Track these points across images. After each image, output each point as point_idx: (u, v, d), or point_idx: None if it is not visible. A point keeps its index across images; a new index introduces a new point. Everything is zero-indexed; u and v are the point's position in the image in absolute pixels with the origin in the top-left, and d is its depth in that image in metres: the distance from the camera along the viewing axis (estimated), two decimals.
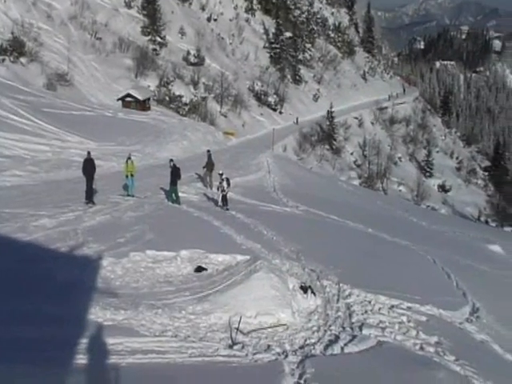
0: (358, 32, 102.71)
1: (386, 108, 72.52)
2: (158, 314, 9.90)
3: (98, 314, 9.53)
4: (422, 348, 10.10)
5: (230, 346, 9.01)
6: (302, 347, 9.35)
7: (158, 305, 10.34)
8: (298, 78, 71.81)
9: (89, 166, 17.85)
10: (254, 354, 8.72)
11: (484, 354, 11.20)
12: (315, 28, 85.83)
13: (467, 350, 10.76)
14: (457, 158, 70.43)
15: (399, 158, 59.68)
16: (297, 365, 8.29)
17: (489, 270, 20.16)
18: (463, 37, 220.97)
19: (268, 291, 10.79)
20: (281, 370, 7.98)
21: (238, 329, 9.53)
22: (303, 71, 73.51)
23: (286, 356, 8.72)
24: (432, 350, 10.11)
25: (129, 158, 19.95)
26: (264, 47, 73.52)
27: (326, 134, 53.31)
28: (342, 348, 9.41)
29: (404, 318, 11.47)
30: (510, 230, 48.78)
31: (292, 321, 10.40)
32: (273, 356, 8.71)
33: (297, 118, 61.51)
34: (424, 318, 11.73)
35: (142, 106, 45.22)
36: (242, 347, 9.01)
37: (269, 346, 9.17)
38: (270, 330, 9.91)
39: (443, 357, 9.87)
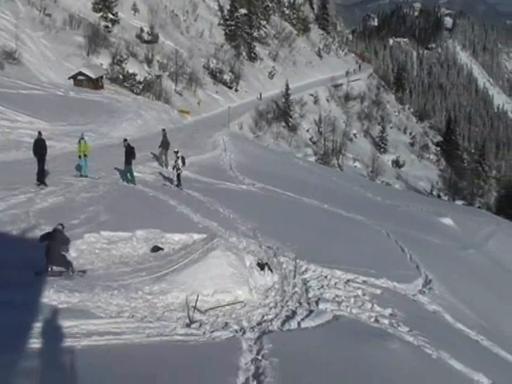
0: (312, 9, 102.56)
1: (341, 85, 72.92)
2: (114, 295, 9.78)
3: (51, 297, 9.35)
4: (376, 320, 10.31)
5: (188, 325, 9.01)
6: (259, 323, 9.43)
7: (114, 286, 10.21)
8: (253, 55, 71.36)
9: (40, 147, 17.33)
10: (212, 331, 8.74)
11: (436, 324, 11.55)
12: (270, 5, 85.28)
13: (420, 320, 11.06)
14: (410, 134, 71.70)
15: (354, 135, 60.30)
16: (254, 341, 8.35)
17: (441, 243, 20.73)
18: (416, 14, 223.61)
19: (225, 269, 10.80)
20: (238, 347, 8.02)
21: (195, 307, 9.52)
22: (258, 48, 73.09)
23: (244, 333, 8.78)
24: (386, 321, 10.35)
25: (81, 138, 19.48)
26: (219, 24, 72.67)
27: (281, 112, 53.36)
28: (299, 323, 9.53)
29: (359, 292, 11.69)
30: (462, 203, 50.20)
31: (249, 298, 10.46)
32: (230, 333, 8.75)
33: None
34: (379, 291, 11.97)
35: (95, 84, 44.15)
36: (200, 325, 9.01)
37: (226, 324, 9.21)
38: (227, 307, 9.94)
39: (397, 328, 10.11)
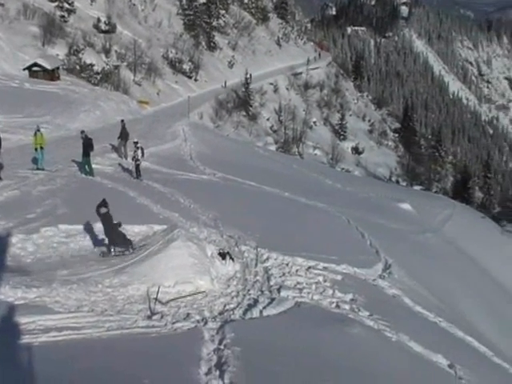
0: None
1: (301, 73, 73.11)
2: (73, 290, 9.61)
3: (7, 293, 9.12)
4: (338, 306, 10.46)
5: (149, 317, 8.93)
6: (221, 313, 9.41)
7: (73, 280, 10.02)
8: (212, 44, 70.86)
9: None
10: (173, 323, 8.68)
11: (396, 308, 11.78)
12: None
13: (380, 304, 11.26)
14: (369, 121, 72.53)
15: (314, 123, 60.63)
16: (216, 331, 8.33)
17: (400, 228, 21.14)
18: (372, 3, 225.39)
19: (186, 259, 10.73)
20: (200, 337, 8.00)
21: (156, 299, 9.44)
22: (218, 38, 72.60)
23: (206, 323, 8.74)
24: (347, 307, 10.51)
25: (38, 130, 19.02)
26: (177, 14, 71.74)
27: (242, 101, 53.23)
28: (261, 311, 9.56)
29: (320, 278, 11.82)
30: (419, 188, 51.23)
31: (211, 288, 10.43)
32: (192, 324, 8.71)
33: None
34: (340, 277, 12.13)
35: (51, 75, 43.00)
36: (161, 317, 8.94)
37: (188, 314, 9.15)
38: (189, 298, 9.89)
39: (358, 313, 10.28)
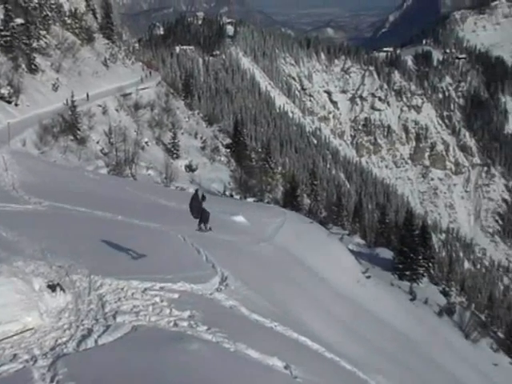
0: (96, 18, 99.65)
1: (130, 94, 72.15)
2: None
3: None
4: (175, 324, 10.47)
5: None
6: (52, 348, 8.92)
7: None
8: (33, 67, 67.10)
9: None
10: None
11: (233, 318, 12.13)
12: (50, 14, 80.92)
13: (218, 317, 11.50)
14: (201, 138, 73.60)
15: (146, 143, 60.07)
16: (48, 368, 7.90)
17: (235, 240, 21.80)
18: (199, 22, 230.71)
19: (12, 297, 10.04)
20: (29, 378, 7.53)
21: None
22: (39, 60, 68.86)
23: (35, 361, 8.22)
24: (185, 324, 10.57)
25: None
26: None
27: (69, 125, 51.13)
28: (96, 340, 9.23)
29: (157, 299, 11.75)
30: (252, 200, 53.18)
31: (40, 323, 9.87)
32: (20, 364, 8.12)
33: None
34: (176, 295, 12.18)
35: None
36: None
37: (15, 355, 8.55)
38: (15, 337, 9.27)
39: (196, 328, 10.40)
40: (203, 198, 16.01)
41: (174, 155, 61.43)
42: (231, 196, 53.59)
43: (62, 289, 11.21)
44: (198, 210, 15.71)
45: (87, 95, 59.41)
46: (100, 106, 60.55)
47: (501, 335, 57.40)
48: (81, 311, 10.67)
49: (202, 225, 15.89)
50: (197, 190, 16.39)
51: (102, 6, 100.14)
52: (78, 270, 12.71)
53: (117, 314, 10.49)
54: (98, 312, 10.63)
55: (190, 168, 60.11)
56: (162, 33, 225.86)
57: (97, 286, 11.97)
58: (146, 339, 9.49)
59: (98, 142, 52.62)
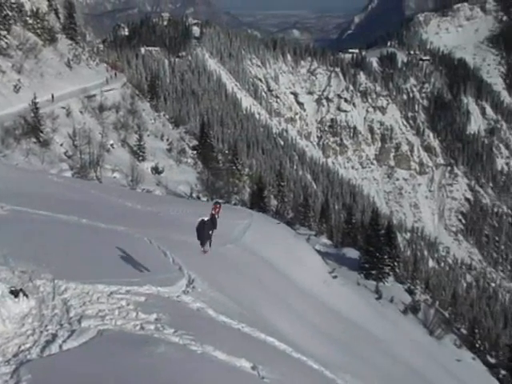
0: (58, 18, 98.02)
1: (95, 95, 71.20)
2: None
3: None
4: (142, 328, 10.41)
5: None
6: (15, 355, 8.77)
7: None
8: None
9: None
10: None
11: (200, 321, 12.12)
12: (10, 14, 79.34)
13: (185, 320, 11.49)
14: (167, 140, 73.12)
15: (111, 145, 59.35)
16: (10, 375, 7.77)
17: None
18: (165, 23, 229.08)
19: None
20: None
21: None
22: (0, 61, 67.62)
23: None
24: (152, 327, 10.51)
25: None
26: None
27: (31, 127, 50.20)
28: (61, 346, 9.11)
29: (123, 302, 11.65)
30: (220, 201, 53.13)
31: (3, 329, 9.69)
32: None
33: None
34: (143, 299, 12.10)
35: None
36: None
37: None
38: None
39: (162, 331, 10.35)
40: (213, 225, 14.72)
41: (140, 157, 60.93)
42: (198, 198, 53.44)
43: (25, 294, 11.03)
44: (207, 236, 14.80)
45: (52, 96, 58.53)
46: (64, 107, 59.61)
47: (464, 331, 58.78)
48: (45, 316, 10.51)
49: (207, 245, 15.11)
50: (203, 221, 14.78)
51: (65, 5, 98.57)
52: (41, 275, 12.49)
53: (82, 318, 10.37)
54: (63, 317, 10.49)
55: (156, 170, 59.72)
56: (126, 34, 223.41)
57: (61, 291, 11.80)
58: (111, 343, 9.42)
59: (61, 145, 51.81)
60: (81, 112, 62.76)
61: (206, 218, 14.61)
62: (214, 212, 14.62)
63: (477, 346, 54.61)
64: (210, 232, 14.70)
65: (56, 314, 10.63)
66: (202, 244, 14.80)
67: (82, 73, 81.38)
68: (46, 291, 11.74)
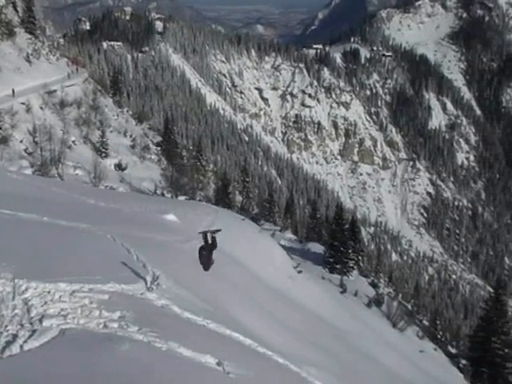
0: (17, 12, 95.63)
1: (55, 91, 69.78)
2: None
3: None
4: (105, 326, 10.29)
5: None
6: None
7: None
8: None
9: None
10: None
11: (164, 318, 12.06)
12: None
13: (149, 317, 11.41)
14: (130, 136, 72.23)
15: (73, 142, 58.27)
16: None
17: (166, 239, 21.66)
18: (127, 18, 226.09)
19: None
20: None
21: None
22: None
23: None
24: (116, 325, 10.41)
25: None
26: None
27: None
28: (22, 346, 8.94)
29: (86, 301, 11.48)
30: (184, 198, 52.96)
31: None
32: None
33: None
34: (106, 297, 11.95)
35: None
36: None
37: None
38: None
39: (127, 329, 10.26)
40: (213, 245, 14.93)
41: (103, 154, 60.10)
42: (162, 195, 53.09)
43: None
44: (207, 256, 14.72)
45: (13, 91, 57.15)
46: (23, 103, 58.33)
47: (426, 323, 60.04)
48: (4, 317, 10.30)
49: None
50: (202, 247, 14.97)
51: None
52: (0, 275, 12.23)
53: (43, 318, 10.20)
54: (24, 317, 10.30)
55: (119, 167, 59.01)
56: (88, 28, 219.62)
57: (21, 291, 11.57)
58: (74, 342, 9.30)
59: (21, 141, 50.71)
60: (41, 108, 61.49)
61: (203, 243, 14.84)
62: (214, 235, 15.16)
63: (438, 336, 55.85)
64: (209, 253, 14.68)
65: (16, 314, 10.42)
66: (206, 268, 14.78)
67: (42, 68, 79.70)
68: (5, 291, 11.49)
